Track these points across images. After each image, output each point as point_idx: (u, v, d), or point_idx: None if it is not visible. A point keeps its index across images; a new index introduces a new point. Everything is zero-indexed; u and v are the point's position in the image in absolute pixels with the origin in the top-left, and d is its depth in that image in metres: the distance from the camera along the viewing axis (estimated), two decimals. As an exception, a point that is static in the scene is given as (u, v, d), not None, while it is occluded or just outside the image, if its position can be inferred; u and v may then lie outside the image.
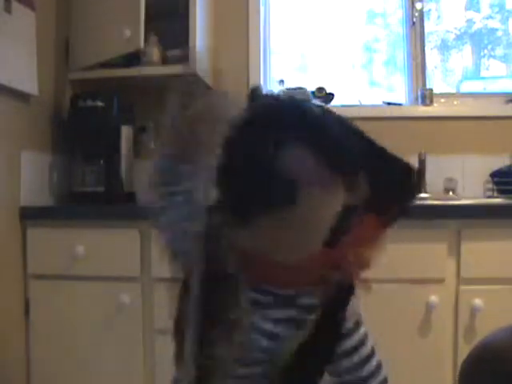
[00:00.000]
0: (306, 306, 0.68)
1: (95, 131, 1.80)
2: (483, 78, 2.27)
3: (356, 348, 0.71)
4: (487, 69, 2.30)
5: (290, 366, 0.67)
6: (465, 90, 2.21)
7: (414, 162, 1.96)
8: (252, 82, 2.13)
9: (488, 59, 2.31)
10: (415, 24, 2.14)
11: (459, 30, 2.29)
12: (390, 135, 2.05)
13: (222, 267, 0.64)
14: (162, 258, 0.74)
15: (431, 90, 2.08)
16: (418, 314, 1.48)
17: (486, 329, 1.47)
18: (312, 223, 0.62)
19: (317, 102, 0.69)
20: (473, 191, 1.98)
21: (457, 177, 1.97)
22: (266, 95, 0.67)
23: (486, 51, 2.30)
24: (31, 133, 1.75)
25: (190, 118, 0.69)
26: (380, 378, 0.73)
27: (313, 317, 0.67)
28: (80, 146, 1.86)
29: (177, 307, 0.72)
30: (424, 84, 2.15)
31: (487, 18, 2.26)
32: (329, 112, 0.66)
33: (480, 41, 2.29)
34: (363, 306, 1.47)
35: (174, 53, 1.94)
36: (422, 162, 1.95)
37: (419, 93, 2.09)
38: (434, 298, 1.46)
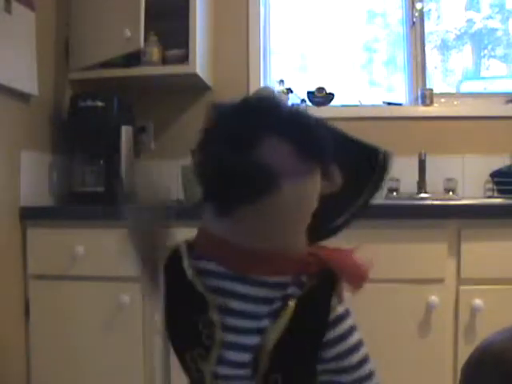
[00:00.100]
0: (289, 294, 0.67)
1: (95, 131, 1.80)
2: (483, 77, 2.28)
3: (343, 337, 0.69)
4: (487, 69, 2.30)
5: (274, 357, 0.66)
6: (465, 89, 2.21)
7: (414, 162, 1.96)
8: (252, 82, 2.13)
9: (488, 59, 2.31)
10: (415, 24, 2.14)
11: (459, 30, 2.29)
12: (390, 135, 2.07)
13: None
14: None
15: (431, 89, 2.08)
16: (418, 314, 1.48)
17: (486, 329, 1.47)
18: (289, 211, 0.64)
19: (284, 99, 0.72)
20: (473, 191, 1.98)
21: (457, 177, 1.97)
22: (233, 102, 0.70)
23: (486, 51, 2.30)
24: (31, 133, 1.75)
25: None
26: (366, 370, 0.71)
27: (292, 305, 0.66)
28: (80, 145, 1.86)
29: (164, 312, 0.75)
30: (424, 84, 2.15)
31: (487, 18, 2.26)
32: (298, 107, 0.69)
33: (480, 41, 2.29)
34: (363, 306, 1.47)
35: (174, 53, 1.94)
36: (421, 162, 1.95)
37: (419, 93, 2.09)
38: (433, 298, 1.46)
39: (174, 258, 0.73)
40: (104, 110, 1.80)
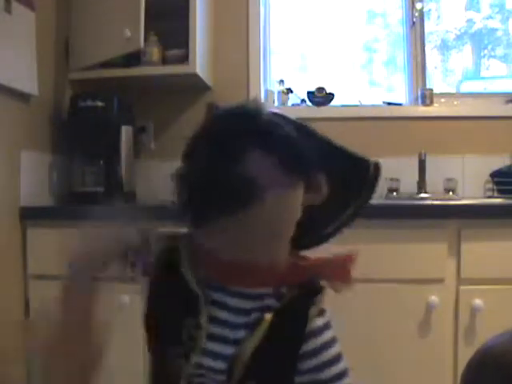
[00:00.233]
0: (266, 305, 0.68)
1: (95, 131, 1.80)
2: (483, 77, 2.28)
3: (321, 349, 0.68)
4: (487, 69, 2.30)
5: (249, 366, 0.67)
6: (465, 89, 2.21)
7: (414, 162, 1.96)
8: (252, 82, 2.13)
9: (488, 59, 2.31)
10: (415, 24, 2.14)
11: (459, 30, 2.29)
12: (390, 135, 2.07)
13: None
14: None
15: (431, 89, 2.08)
16: (418, 314, 1.48)
17: (486, 329, 1.47)
18: (271, 223, 0.65)
19: (272, 109, 0.71)
20: (473, 191, 1.98)
21: (457, 177, 1.97)
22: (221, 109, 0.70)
23: (486, 51, 2.30)
24: (31, 133, 1.75)
25: None
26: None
27: (269, 317, 0.67)
28: (80, 146, 1.86)
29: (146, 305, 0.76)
30: (424, 84, 2.15)
31: (487, 18, 2.26)
32: (283, 118, 0.69)
33: (480, 41, 2.29)
34: (363, 306, 1.47)
35: (174, 53, 1.94)
36: (422, 162, 1.95)
37: (419, 93, 2.09)
38: (433, 298, 1.46)
39: (170, 255, 0.74)
40: (104, 109, 1.80)
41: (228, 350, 0.67)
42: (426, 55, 2.16)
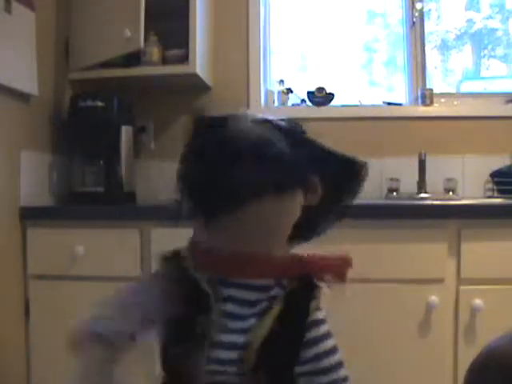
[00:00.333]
0: (273, 295, 0.72)
1: (95, 131, 1.80)
2: (483, 77, 2.28)
3: (321, 338, 0.73)
4: (487, 69, 2.30)
5: (260, 354, 0.70)
6: (465, 89, 2.21)
7: (414, 162, 1.96)
8: (252, 82, 2.13)
9: (488, 59, 2.31)
10: (415, 24, 2.14)
11: (459, 30, 2.29)
12: (390, 135, 2.07)
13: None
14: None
15: (431, 89, 2.08)
16: (418, 314, 1.48)
17: (486, 329, 1.48)
18: (267, 222, 0.70)
19: (259, 115, 0.74)
20: (473, 191, 1.98)
21: (457, 177, 1.97)
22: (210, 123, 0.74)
23: (486, 51, 2.30)
24: (31, 133, 1.75)
25: None
26: (342, 373, 0.74)
27: (277, 306, 0.71)
28: (80, 145, 1.86)
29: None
30: (424, 84, 2.15)
31: (487, 18, 2.26)
32: (273, 124, 0.72)
33: (480, 41, 2.29)
34: (363, 306, 1.47)
35: (174, 53, 1.94)
36: (421, 162, 1.95)
37: (419, 93, 2.09)
38: (433, 298, 1.46)
39: (174, 261, 0.77)
40: (104, 109, 1.80)
41: (240, 339, 0.71)
42: (425, 55, 2.16)
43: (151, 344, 0.79)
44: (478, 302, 1.45)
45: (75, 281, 1.60)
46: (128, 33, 1.76)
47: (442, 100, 2.12)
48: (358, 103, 2.16)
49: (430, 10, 2.26)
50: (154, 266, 0.83)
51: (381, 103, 2.14)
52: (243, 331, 0.71)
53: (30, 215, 1.64)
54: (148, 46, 1.90)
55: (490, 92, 2.16)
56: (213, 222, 0.68)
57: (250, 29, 2.14)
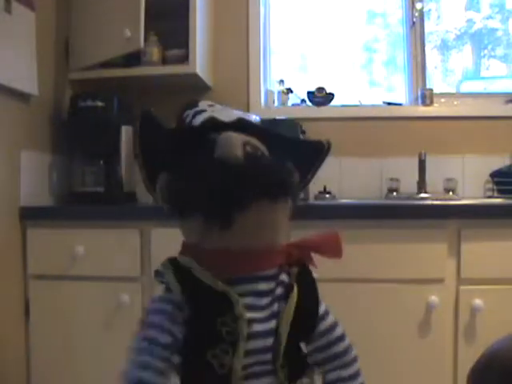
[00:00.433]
0: (282, 280, 0.81)
1: (95, 131, 1.80)
2: (483, 78, 2.28)
3: (331, 328, 0.85)
4: (487, 69, 2.30)
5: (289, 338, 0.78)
6: (465, 89, 2.21)
7: (414, 162, 1.96)
8: (252, 82, 2.14)
9: (488, 59, 2.31)
10: (415, 24, 2.14)
11: (459, 30, 2.29)
12: (390, 135, 2.07)
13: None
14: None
15: (431, 89, 2.08)
16: (418, 313, 1.48)
17: (486, 329, 1.48)
18: (268, 224, 0.78)
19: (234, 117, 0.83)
20: (473, 191, 1.98)
21: (457, 177, 1.97)
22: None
23: (486, 51, 2.30)
24: (31, 133, 1.75)
25: None
26: (352, 355, 0.86)
27: (295, 288, 0.80)
28: (80, 145, 1.86)
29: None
30: (424, 84, 2.15)
31: (487, 18, 2.26)
32: (251, 126, 0.84)
33: (480, 41, 2.29)
34: (363, 306, 1.47)
35: (174, 53, 1.94)
36: (422, 162, 1.95)
37: (419, 93, 2.09)
38: (433, 298, 1.46)
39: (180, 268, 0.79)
40: (104, 110, 1.80)
41: (271, 325, 0.77)
42: (426, 55, 2.16)
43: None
44: (477, 301, 1.45)
45: (75, 281, 1.60)
46: (128, 33, 1.76)
47: (442, 100, 2.12)
48: (358, 103, 2.16)
49: (430, 10, 2.26)
50: (154, 273, 0.83)
51: (381, 103, 2.14)
52: (272, 317, 0.77)
53: (30, 215, 1.64)
54: (148, 46, 1.90)
55: (490, 92, 2.16)
56: (222, 226, 0.74)
57: (250, 29, 2.14)
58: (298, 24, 2.28)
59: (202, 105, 0.87)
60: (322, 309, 0.85)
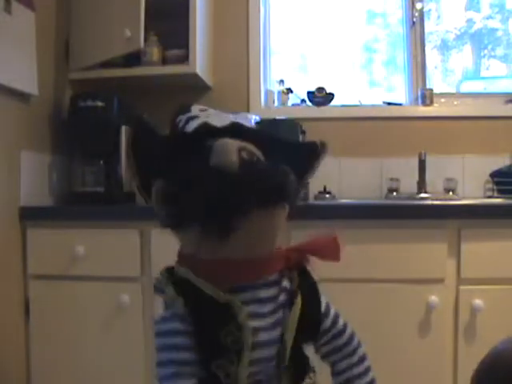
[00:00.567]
0: (284, 287, 0.80)
1: (95, 131, 1.80)
2: (483, 77, 2.28)
3: (334, 322, 0.85)
4: (487, 69, 2.30)
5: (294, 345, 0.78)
6: (465, 89, 2.21)
7: (414, 162, 1.96)
8: (252, 82, 2.13)
9: (488, 59, 2.31)
10: (415, 24, 2.14)
11: (459, 30, 2.29)
12: (390, 135, 2.07)
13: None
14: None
15: (431, 89, 2.08)
16: (418, 313, 1.48)
17: (486, 329, 1.48)
18: (268, 228, 0.78)
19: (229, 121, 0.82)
20: (473, 191, 1.98)
21: (457, 177, 1.97)
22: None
23: (486, 51, 2.30)
24: (31, 133, 1.75)
25: None
26: (355, 343, 0.87)
27: (298, 294, 0.79)
28: (80, 145, 1.86)
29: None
30: (424, 84, 2.15)
31: (487, 18, 2.26)
32: (248, 131, 0.82)
33: (480, 41, 2.29)
34: (363, 306, 1.47)
35: (174, 53, 1.94)
36: (422, 162, 1.95)
37: (419, 93, 2.09)
38: (433, 298, 1.46)
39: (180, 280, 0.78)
40: (104, 110, 1.80)
41: (275, 333, 0.77)
42: (426, 55, 2.16)
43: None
44: (477, 302, 1.45)
45: (75, 281, 1.60)
46: (128, 33, 1.76)
47: (442, 100, 2.12)
48: (358, 103, 2.16)
49: (430, 9, 2.26)
50: (154, 277, 0.83)
51: (381, 103, 2.14)
52: (276, 325, 0.77)
53: (30, 215, 1.64)
54: (148, 46, 1.90)
55: (490, 92, 2.16)
56: (221, 235, 0.73)
57: (250, 29, 2.14)
58: (298, 24, 2.28)
59: (195, 110, 0.84)
60: (323, 306, 0.85)
